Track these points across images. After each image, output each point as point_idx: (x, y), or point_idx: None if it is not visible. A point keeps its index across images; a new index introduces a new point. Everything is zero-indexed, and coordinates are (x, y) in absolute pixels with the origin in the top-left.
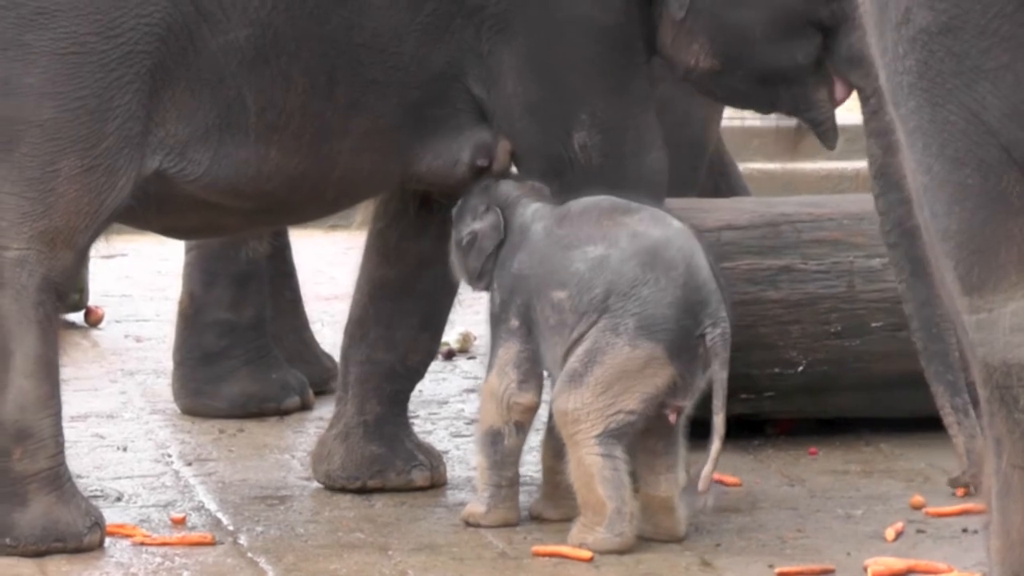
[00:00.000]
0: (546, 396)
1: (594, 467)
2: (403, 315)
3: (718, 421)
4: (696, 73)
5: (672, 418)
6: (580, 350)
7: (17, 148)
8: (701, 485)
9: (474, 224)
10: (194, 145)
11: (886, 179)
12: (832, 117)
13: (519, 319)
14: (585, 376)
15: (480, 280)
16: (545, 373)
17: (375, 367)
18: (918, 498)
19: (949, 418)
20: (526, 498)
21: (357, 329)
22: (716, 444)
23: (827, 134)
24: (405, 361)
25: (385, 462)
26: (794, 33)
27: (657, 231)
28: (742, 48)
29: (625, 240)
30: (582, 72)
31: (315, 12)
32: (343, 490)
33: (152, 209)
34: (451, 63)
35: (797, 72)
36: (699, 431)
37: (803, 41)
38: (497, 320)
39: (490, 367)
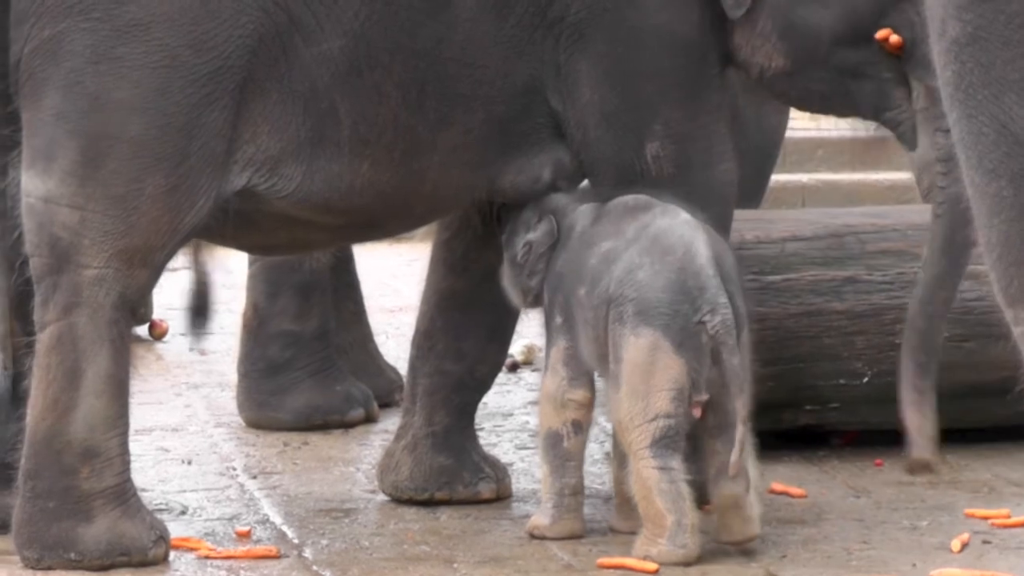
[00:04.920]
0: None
1: (651, 480)
2: (470, 326)
3: (739, 405)
4: (769, 74)
5: (696, 412)
6: (612, 352)
7: (104, 165)
8: (731, 471)
9: (528, 235)
10: (286, 160)
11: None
12: (912, 118)
13: (562, 315)
14: (618, 379)
15: (533, 288)
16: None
17: (443, 378)
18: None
19: (909, 396)
20: (591, 510)
21: (425, 341)
22: (740, 428)
23: (907, 135)
24: (473, 372)
25: (452, 474)
26: (865, 34)
27: (663, 221)
28: (812, 47)
29: (632, 232)
30: (657, 82)
31: (406, 24)
32: (410, 501)
33: (237, 227)
34: (533, 76)
35: (872, 71)
36: (769, 442)
37: (875, 42)
38: (548, 319)
39: (545, 369)
